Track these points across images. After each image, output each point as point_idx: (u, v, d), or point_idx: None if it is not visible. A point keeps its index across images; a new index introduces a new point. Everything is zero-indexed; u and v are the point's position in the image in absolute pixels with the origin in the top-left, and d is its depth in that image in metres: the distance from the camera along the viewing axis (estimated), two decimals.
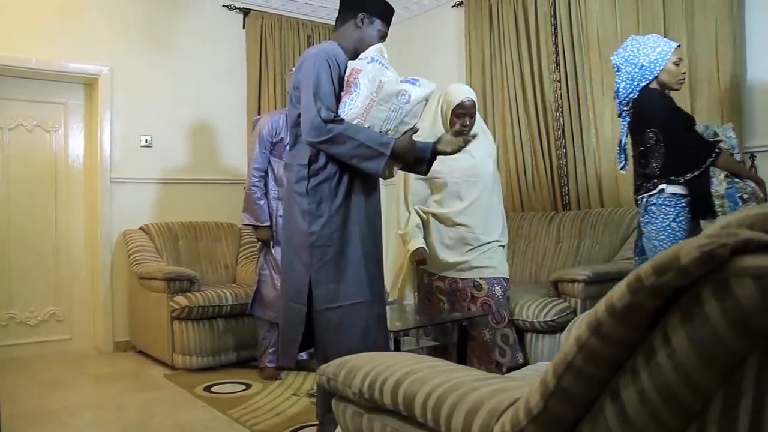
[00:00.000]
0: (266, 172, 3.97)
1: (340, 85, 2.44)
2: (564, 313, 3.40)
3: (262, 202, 3.91)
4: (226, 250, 5.02)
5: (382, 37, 2.60)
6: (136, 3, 4.92)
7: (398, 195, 3.52)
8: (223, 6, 5.33)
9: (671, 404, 0.82)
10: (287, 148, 2.65)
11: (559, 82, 4.44)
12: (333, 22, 5.71)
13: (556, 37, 4.48)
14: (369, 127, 2.38)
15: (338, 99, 2.43)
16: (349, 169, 2.45)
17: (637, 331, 0.87)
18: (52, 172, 4.83)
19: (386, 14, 2.62)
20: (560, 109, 4.44)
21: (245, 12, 5.40)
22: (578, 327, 0.93)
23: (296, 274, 2.50)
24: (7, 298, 4.59)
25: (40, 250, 4.75)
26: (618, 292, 0.86)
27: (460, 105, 3.22)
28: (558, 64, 4.45)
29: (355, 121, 2.37)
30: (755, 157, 3.45)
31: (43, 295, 4.75)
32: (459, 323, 3.28)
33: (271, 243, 3.94)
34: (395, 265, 3.65)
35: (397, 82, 2.39)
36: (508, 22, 4.79)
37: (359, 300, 2.47)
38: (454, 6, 5.34)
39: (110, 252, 4.78)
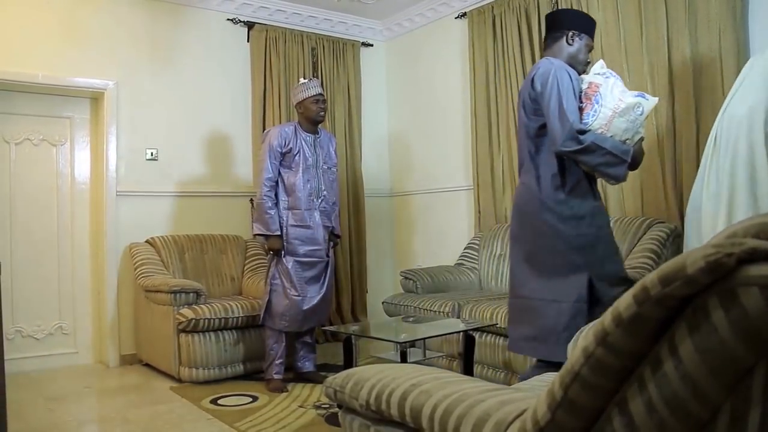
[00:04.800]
0: (277, 182, 3.99)
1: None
2: None
3: (273, 212, 3.92)
4: (232, 262, 5.02)
5: (589, 50, 2.80)
6: (141, 17, 4.96)
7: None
8: (228, 19, 5.36)
9: (679, 415, 0.82)
10: (525, 161, 2.74)
11: None
12: (337, 35, 5.89)
13: None
14: (611, 136, 2.55)
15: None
16: (590, 175, 2.66)
17: (644, 341, 0.86)
18: (58, 186, 4.85)
19: (591, 29, 2.82)
20: None
21: (250, 25, 5.43)
22: (585, 337, 0.93)
23: (573, 281, 2.56)
24: (13, 312, 4.60)
25: (46, 264, 4.77)
26: (624, 302, 0.86)
27: None
28: None
29: (598, 131, 2.54)
30: None
31: (50, 308, 4.76)
32: (465, 333, 3.28)
33: (282, 252, 3.94)
34: None
35: (632, 96, 2.59)
36: (511, 32, 4.80)
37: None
38: (458, 17, 5.36)
39: (116, 265, 4.79)
